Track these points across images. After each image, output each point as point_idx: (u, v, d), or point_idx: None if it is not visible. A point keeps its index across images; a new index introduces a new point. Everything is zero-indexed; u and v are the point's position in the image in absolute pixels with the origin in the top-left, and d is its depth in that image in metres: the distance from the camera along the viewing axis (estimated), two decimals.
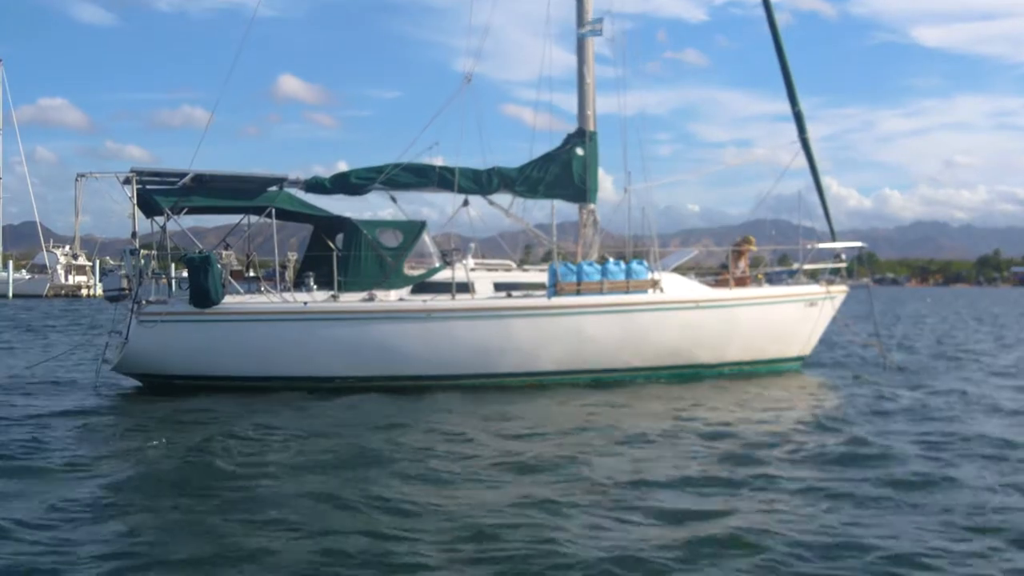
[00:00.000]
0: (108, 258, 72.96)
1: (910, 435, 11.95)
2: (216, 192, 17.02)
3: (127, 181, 16.43)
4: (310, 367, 16.16)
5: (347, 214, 17.81)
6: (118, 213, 16.62)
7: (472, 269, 17.63)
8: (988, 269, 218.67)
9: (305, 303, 16.19)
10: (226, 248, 18.39)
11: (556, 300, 17.05)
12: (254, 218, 18.18)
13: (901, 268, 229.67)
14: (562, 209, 19.65)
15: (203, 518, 8.06)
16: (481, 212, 19.07)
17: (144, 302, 16.03)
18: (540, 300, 17.05)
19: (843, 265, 20.03)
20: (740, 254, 20.03)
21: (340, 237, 17.48)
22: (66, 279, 74.92)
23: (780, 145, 21.07)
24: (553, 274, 17.30)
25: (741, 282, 19.39)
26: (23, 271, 77.15)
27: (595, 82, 19.78)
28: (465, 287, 17.00)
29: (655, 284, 17.66)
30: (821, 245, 20.15)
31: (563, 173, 19.09)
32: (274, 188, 17.38)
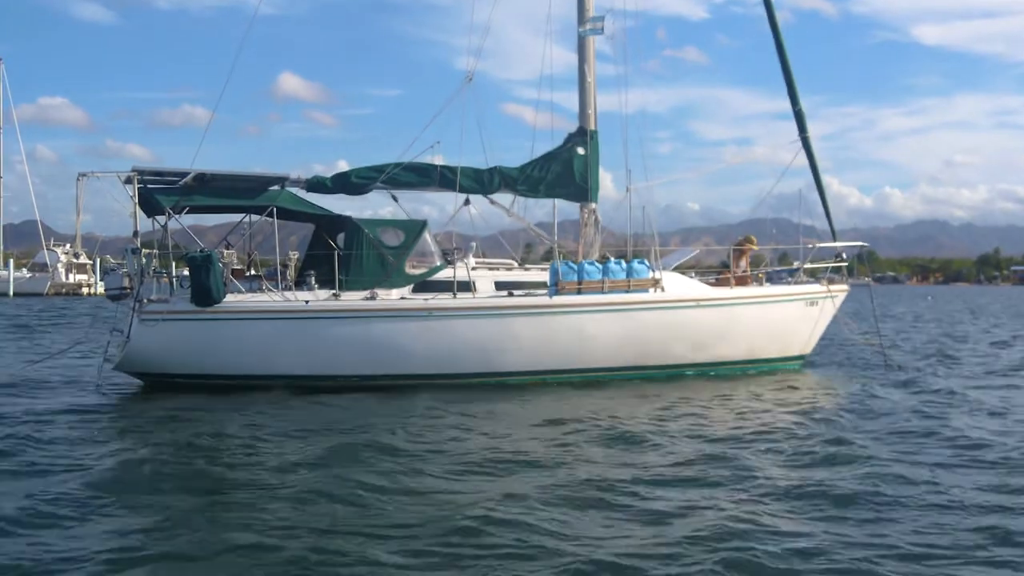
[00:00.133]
0: (109, 257, 73.00)
1: (909, 435, 11.92)
2: (217, 191, 17.05)
3: (129, 180, 16.47)
4: (311, 366, 16.18)
5: (348, 213, 17.86)
6: (119, 212, 16.66)
7: (473, 268, 17.65)
8: (988, 268, 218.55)
9: (307, 302, 16.20)
10: (227, 247, 18.43)
11: (557, 299, 17.07)
12: (255, 217, 18.23)
13: (902, 267, 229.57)
14: (563, 208, 19.71)
15: (202, 517, 8.08)
16: (482, 211, 19.13)
17: (146, 301, 16.05)
18: (541, 299, 17.07)
19: (844, 264, 20.03)
20: (741, 253, 20.04)
21: (341, 236, 17.49)
22: (67, 278, 75.04)
23: (780, 144, 21.13)
24: (554, 273, 17.32)
25: (742, 281, 19.39)
26: (24, 270, 77.24)
27: (596, 80, 19.82)
28: (466, 286, 17.02)
29: (656, 283, 17.68)
30: (822, 244, 20.15)
31: (564, 172, 19.11)
32: (275, 187, 17.41)
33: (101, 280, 69.00)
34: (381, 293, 16.69)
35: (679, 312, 17.81)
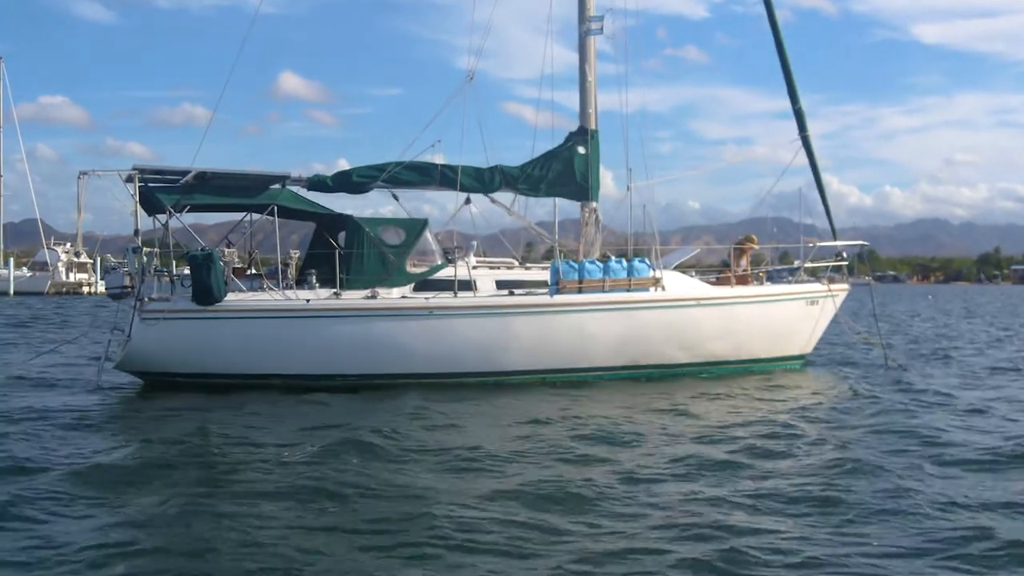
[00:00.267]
0: (109, 256, 73.01)
1: (908, 436, 11.84)
2: (218, 190, 17.05)
3: (130, 179, 16.48)
4: (312, 365, 16.18)
5: (348, 212, 17.87)
6: (119, 211, 16.67)
7: (474, 267, 17.66)
8: (989, 267, 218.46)
9: (307, 301, 16.21)
10: (228, 246, 18.44)
11: (558, 298, 17.07)
12: (256, 216, 18.23)
13: (902, 266, 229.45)
14: (563, 207, 19.73)
15: (196, 515, 8.08)
16: (483, 210, 19.13)
17: (147, 299, 16.05)
18: (542, 298, 17.08)
19: (844, 263, 20.03)
20: (742, 252, 20.05)
21: (342, 235, 17.50)
22: (67, 277, 75.01)
23: (781, 143, 21.16)
24: (555, 272, 17.33)
25: (742, 280, 19.40)
26: (24, 268, 77.23)
27: (596, 80, 19.82)
28: (467, 285, 17.02)
29: (657, 282, 17.69)
30: (822, 243, 20.16)
31: (565, 171, 19.12)
32: (276, 186, 17.40)
33: (101, 279, 69.03)
34: (382, 292, 16.69)
35: (680, 311, 17.81)
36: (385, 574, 6.73)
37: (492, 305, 16.83)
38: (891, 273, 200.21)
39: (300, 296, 16.31)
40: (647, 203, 19.08)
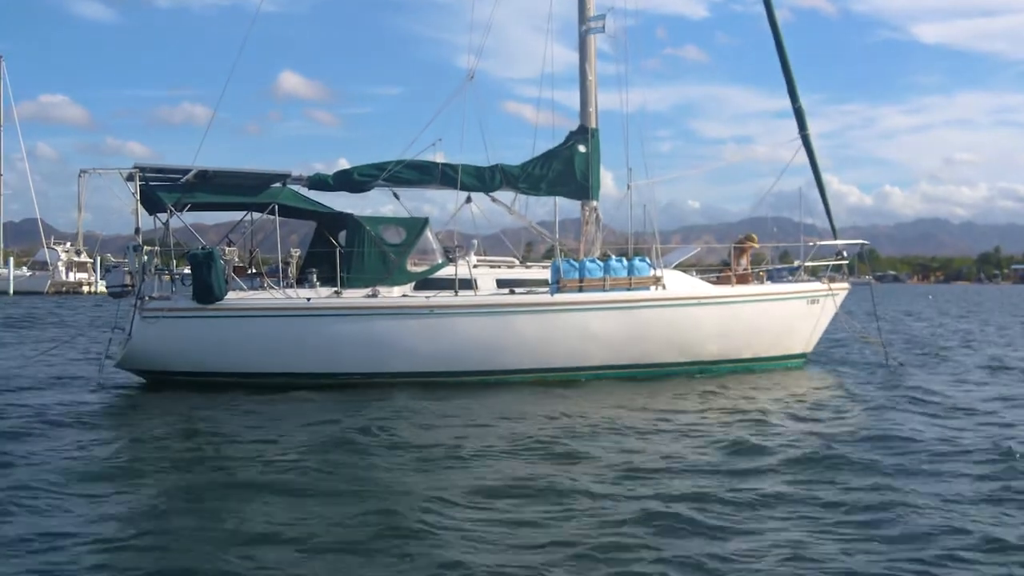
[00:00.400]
0: (109, 255, 73.05)
1: (907, 437, 11.78)
2: (219, 188, 17.05)
3: (130, 177, 16.50)
4: (313, 363, 16.18)
5: (348, 211, 17.87)
6: (119, 210, 16.69)
7: (475, 266, 17.67)
8: (989, 266, 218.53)
9: (308, 299, 16.21)
10: (229, 244, 18.45)
11: (559, 296, 17.08)
12: (257, 215, 18.23)
13: (902, 265, 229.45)
14: (564, 206, 19.72)
15: (199, 514, 8.11)
16: (483, 209, 19.13)
17: (147, 298, 16.05)
18: (543, 296, 17.08)
19: (844, 262, 20.04)
20: (742, 251, 20.06)
21: (343, 234, 17.51)
22: (67, 276, 75.04)
23: (781, 142, 21.14)
24: (556, 270, 17.34)
25: (743, 279, 19.41)
26: (24, 268, 77.26)
27: (596, 79, 19.83)
28: (468, 283, 17.03)
29: (657, 281, 17.69)
30: (822, 242, 20.18)
31: (565, 170, 19.13)
32: (277, 185, 17.39)
33: (101, 279, 69.06)
34: (383, 291, 16.70)
35: (680, 310, 17.82)
36: (368, 570, 6.80)
37: (493, 304, 16.84)
38: (891, 273, 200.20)
39: (301, 295, 16.31)
40: (647, 202, 19.12)
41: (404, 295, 16.90)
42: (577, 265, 17.47)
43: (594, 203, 19.59)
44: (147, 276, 16.38)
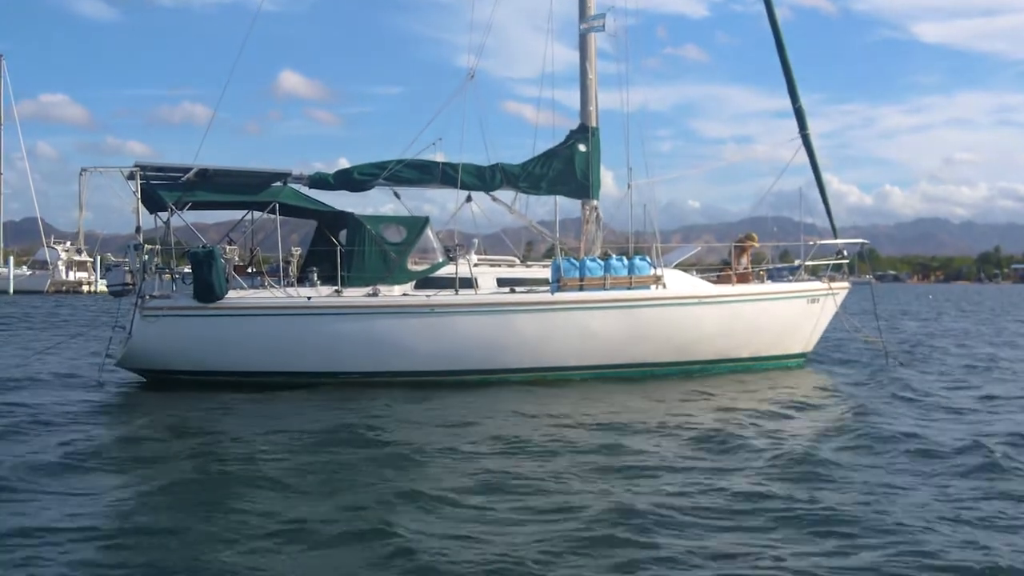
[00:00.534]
0: (109, 254, 73.02)
1: (904, 436, 11.72)
2: (220, 187, 17.05)
3: (131, 176, 16.51)
4: (314, 362, 16.19)
5: (349, 210, 17.88)
6: (120, 209, 16.68)
7: (475, 265, 17.68)
8: (989, 266, 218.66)
9: (309, 298, 16.22)
10: (229, 243, 18.45)
11: (559, 295, 17.09)
12: (257, 214, 18.24)
13: (903, 265, 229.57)
14: (564, 206, 19.73)
15: (198, 514, 8.11)
16: (484, 208, 19.13)
17: (148, 297, 16.06)
18: (543, 295, 17.09)
19: (845, 261, 20.04)
20: (742, 250, 20.06)
21: (343, 233, 17.52)
22: (67, 275, 75.02)
23: (781, 141, 21.13)
24: (556, 269, 17.35)
25: (743, 278, 19.42)
26: (24, 267, 77.24)
27: (597, 78, 19.84)
28: (469, 282, 17.04)
29: (658, 280, 17.70)
30: (823, 241, 20.18)
31: (566, 169, 19.14)
32: (278, 183, 17.39)
33: (102, 278, 69.03)
34: (383, 289, 16.70)
35: (681, 309, 17.83)
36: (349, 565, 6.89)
37: (493, 303, 16.85)
38: (891, 272, 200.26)
39: (301, 293, 16.32)
40: (647, 202, 19.10)
41: (405, 294, 16.90)
42: (578, 264, 17.47)
43: (594, 202, 19.60)
44: (148, 275, 16.38)
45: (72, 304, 52.59)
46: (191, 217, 17.45)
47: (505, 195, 19.26)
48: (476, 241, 18.93)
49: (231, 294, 16.06)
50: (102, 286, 65.17)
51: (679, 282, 18.15)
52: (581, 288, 17.25)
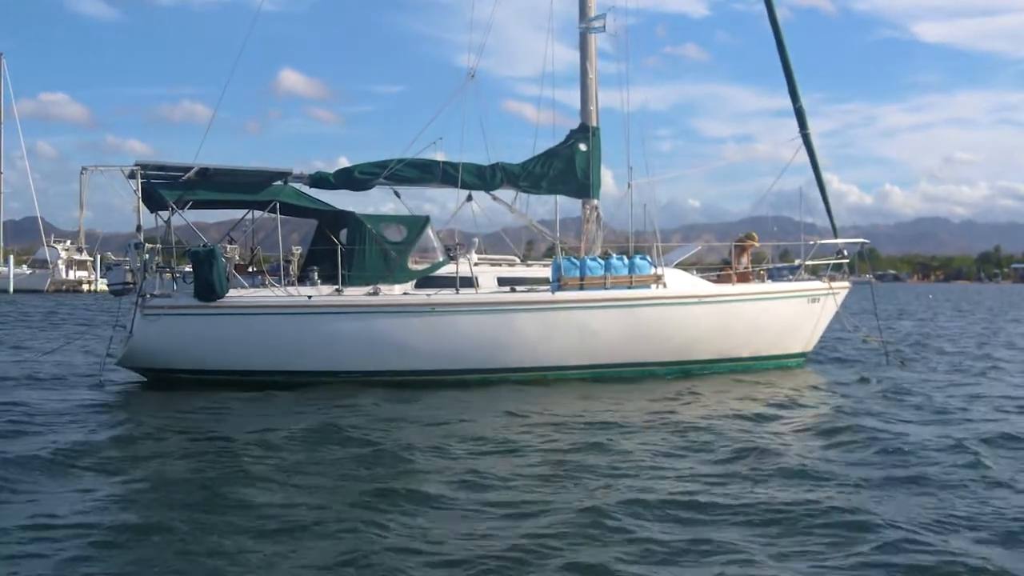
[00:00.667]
0: (109, 253, 73.01)
1: (904, 435, 11.72)
2: (220, 186, 17.06)
3: (132, 175, 16.50)
4: (314, 361, 16.20)
5: (349, 209, 17.88)
6: (120, 208, 16.66)
7: (476, 264, 17.68)
8: (989, 265, 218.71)
9: (309, 297, 16.23)
10: (230, 242, 18.45)
11: (560, 294, 17.10)
12: (258, 213, 18.24)
13: (903, 264, 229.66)
14: (564, 205, 19.74)
15: (202, 514, 8.13)
16: (484, 208, 19.12)
17: (148, 296, 16.06)
18: (544, 294, 17.10)
19: (845, 261, 20.05)
20: (743, 250, 20.07)
21: (344, 232, 17.52)
22: (67, 274, 75.04)
23: (781, 141, 21.14)
24: (557, 268, 17.36)
25: (743, 278, 19.43)
26: (24, 266, 77.25)
27: (597, 77, 19.84)
28: (469, 281, 17.05)
29: (658, 279, 17.71)
30: (823, 241, 20.19)
31: (566, 169, 19.14)
32: (279, 183, 17.40)
33: (102, 277, 69.07)
34: (384, 288, 16.71)
35: (681, 308, 17.83)
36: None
37: (494, 302, 16.85)
38: (891, 272, 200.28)
39: (302, 292, 16.32)
40: (648, 201, 19.10)
41: (405, 293, 16.91)
42: (578, 263, 17.49)
43: (595, 202, 19.61)
44: (148, 274, 16.38)
45: (72, 303, 52.61)
46: (192, 216, 17.44)
47: (505, 194, 19.27)
48: (476, 240, 18.94)
49: (232, 293, 16.07)
50: (102, 285, 65.19)
51: (679, 281, 18.16)
52: (582, 287, 17.26)
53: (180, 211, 16.65)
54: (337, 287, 16.52)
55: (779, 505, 8.32)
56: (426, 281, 17.23)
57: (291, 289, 16.43)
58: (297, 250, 18.61)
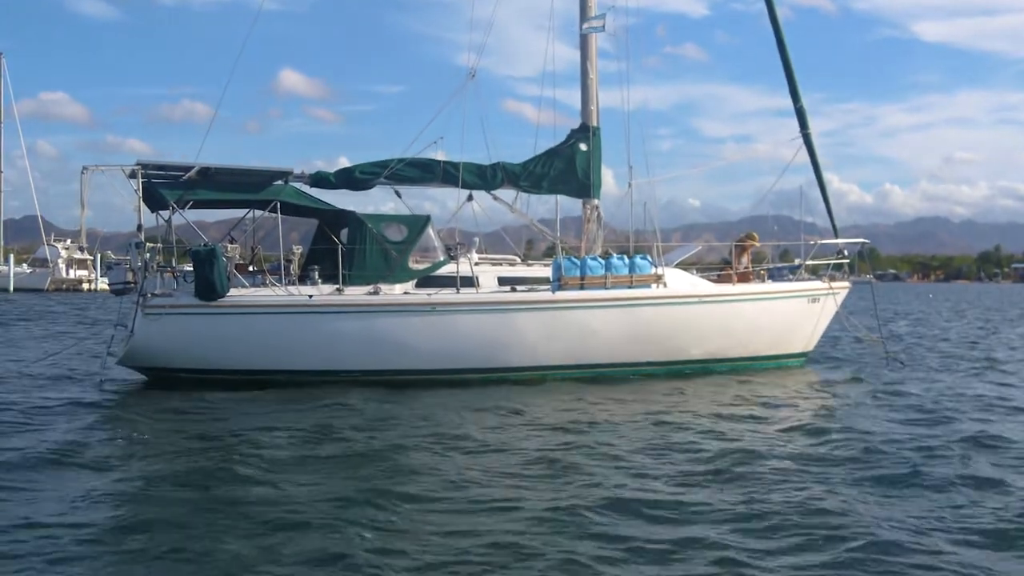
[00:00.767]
0: (109, 252, 72.99)
1: (903, 434, 11.78)
2: (221, 186, 17.06)
3: (133, 174, 16.51)
4: (315, 361, 16.20)
5: (350, 208, 17.89)
6: (120, 207, 16.68)
7: (476, 263, 17.69)
8: (989, 265, 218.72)
9: (310, 296, 16.24)
10: (231, 242, 18.46)
11: (560, 294, 17.11)
12: (259, 212, 18.25)
13: (903, 264, 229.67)
14: (564, 204, 19.75)
15: (199, 512, 8.18)
16: (485, 207, 19.13)
17: (149, 295, 16.07)
18: (544, 294, 17.11)
19: (845, 261, 20.05)
20: (743, 249, 20.07)
21: (345, 231, 17.53)
22: (67, 273, 75.03)
23: (782, 141, 21.11)
24: (557, 268, 17.38)
25: (744, 278, 19.44)
26: (24, 265, 77.24)
27: (597, 77, 19.85)
28: (470, 281, 17.06)
29: (659, 279, 17.72)
30: (823, 241, 20.20)
31: (567, 169, 19.15)
32: (279, 182, 17.40)
33: (102, 276, 69.08)
34: (385, 288, 16.72)
35: (681, 308, 17.85)
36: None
37: (494, 301, 16.87)
38: (891, 272, 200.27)
39: (303, 292, 16.33)
40: (648, 201, 19.10)
41: (406, 292, 16.92)
42: (579, 263, 17.50)
43: (595, 201, 19.62)
44: (149, 273, 16.39)
45: (72, 302, 52.60)
46: (192, 215, 17.43)
47: (506, 194, 19.28)
48: (477, 240, 18.95)
49: (232, 292, 16.08)
50: (102, 284, 65.25)
51: (680, 281, 18.17)
52: (582, 287, 17.27)
53: (181, 210, 16.65)
54: (338, 286, 16.53)
55: (768, 505, 8.35)
56: (427, 281, 17.24)
57: (292, 288, 16.44)
58: (298, 249, 18.62)
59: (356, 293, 16.51)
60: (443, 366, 16.53)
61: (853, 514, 8.05)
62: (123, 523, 7.79)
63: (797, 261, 20.54)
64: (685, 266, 19.61)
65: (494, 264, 18.32)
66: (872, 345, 22.25)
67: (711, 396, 15.25)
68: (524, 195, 19.33)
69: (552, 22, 19.80)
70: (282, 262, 17.19)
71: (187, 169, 16.71)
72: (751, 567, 6.82)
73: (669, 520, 7.96)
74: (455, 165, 18.34)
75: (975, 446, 11.02)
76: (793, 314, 19.12)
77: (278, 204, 16.92)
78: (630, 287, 17.50)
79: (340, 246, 16.95)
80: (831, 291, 19.51)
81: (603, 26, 19.34)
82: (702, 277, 19.08)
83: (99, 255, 74.48)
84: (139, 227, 16.64)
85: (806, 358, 19.93)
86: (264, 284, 16.71)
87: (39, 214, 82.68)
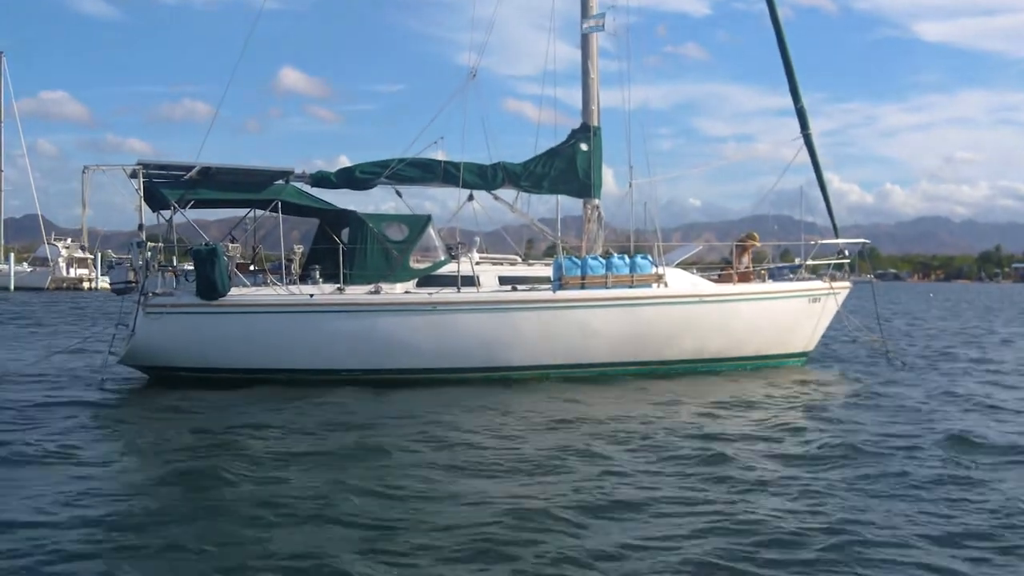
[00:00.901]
0: (110, 251, 72.96)
1: (902, 434, 11.78)
2: (222, 185, 17.08)
3: (134, 174, 16.52)
4: (316, 360, 16.22)
5: (350, 208, 17.90)
6: (120, 207, 16.68)
7: (477, 263, 17.70)
8: (989, 265, 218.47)
9: (311, 296, 16.25)
10: (232, 241, 18.47)
11: (561, 294, 17.12)
12: (260, 212, 18.26)
13: (903, 264, 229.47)
14: (565, 204, 19.77)
15: (198, 510, 8.21)
16: (485, 207, 19.15)
17: (151, 294, 16.09)
18: (545, 293, 17.13)
19: (846, 260, 20.05)
20: (743, 249, 20.07)
21: (346, 231, 17.55)
22: (67, 272, 75.06)
23: (782, 140, 21.12)
24: (558, 268, 17.39)
25: (744, 277, 19.44)
26: (24, 264, 77.27)
27: (598, 76, 19.85)
28: (470, 280, 17.07)
29: (659, 278, 17.73)
30: (824, 241, 20.20)
31: (567, 168, 19.16)
32: (280, 182, 17.42)
33: (103, 275, 69.10)
34: (385, 287, 16.73)
35: (682, 308, 17.85)
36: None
37: (495, 301, 16.88)
38: (892, 271, 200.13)
39: (304, 291, 16.35)
40: (648, 200, 19.09)
41: (407, 292, 16.94)
42: (579, 262, 17.51)
43: (596, 201, 19.62)
44: (150, 272, 16.41)
45: (73, 301, 52.60)
46: (193, 215, 17.46)
47: (507, 194, 19.29)
48: (478, 239, 18.95)
49: (234, 292, 16.10)
50: (103, 283, 65.27)
51: (681, 281, 18.18)
52: (583, 286, 17.28)
53: (182, 210, 16.67)
54: (339, 286, 16.55)
55: (759, 505, 8.37)
56: (427, 280, 17.25)
57: (293, 288, 16.46)
58: (299, 249, 18.63)
59: (357, 292, 16.52)
60: (444, 365, 16.55)
61: (847, 512, 8.06)
62: (123, 521, 7.83)
63: (798, 261, 20.55)
64: (686, 266, 19.62)
65: (495, 264, 18.33)
66: (873, 345, 22.25)
67: (710, 395, 15.22)
68: (525, 195, 19.34)
69: (553, 21, 19.82)
70: (283, 261, 17.19)
71: (188, 169, 16.72)
72: (744, 565, 6.84)
73: (658, 518, 7.97)
74: (456, 165, 18.35)
75: (975, 446, 11.01)
76: (794, 314, 19.13)
77: (279, 204, 16.93)
78: (631, 287, 17.51)
79: (341, 245, 16.97)
80: (832, 291, 19.51)
81: (603, 26, 19.36)
82: (703, 277, 19.08)
83: (99, 254, 74.51)
84: (140, 226, 16.66)
85: (807, 358, 19.93)
86: (265, 283, 16.72)
87: (39, 213, 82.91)
